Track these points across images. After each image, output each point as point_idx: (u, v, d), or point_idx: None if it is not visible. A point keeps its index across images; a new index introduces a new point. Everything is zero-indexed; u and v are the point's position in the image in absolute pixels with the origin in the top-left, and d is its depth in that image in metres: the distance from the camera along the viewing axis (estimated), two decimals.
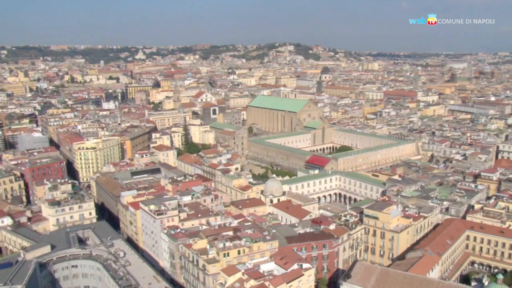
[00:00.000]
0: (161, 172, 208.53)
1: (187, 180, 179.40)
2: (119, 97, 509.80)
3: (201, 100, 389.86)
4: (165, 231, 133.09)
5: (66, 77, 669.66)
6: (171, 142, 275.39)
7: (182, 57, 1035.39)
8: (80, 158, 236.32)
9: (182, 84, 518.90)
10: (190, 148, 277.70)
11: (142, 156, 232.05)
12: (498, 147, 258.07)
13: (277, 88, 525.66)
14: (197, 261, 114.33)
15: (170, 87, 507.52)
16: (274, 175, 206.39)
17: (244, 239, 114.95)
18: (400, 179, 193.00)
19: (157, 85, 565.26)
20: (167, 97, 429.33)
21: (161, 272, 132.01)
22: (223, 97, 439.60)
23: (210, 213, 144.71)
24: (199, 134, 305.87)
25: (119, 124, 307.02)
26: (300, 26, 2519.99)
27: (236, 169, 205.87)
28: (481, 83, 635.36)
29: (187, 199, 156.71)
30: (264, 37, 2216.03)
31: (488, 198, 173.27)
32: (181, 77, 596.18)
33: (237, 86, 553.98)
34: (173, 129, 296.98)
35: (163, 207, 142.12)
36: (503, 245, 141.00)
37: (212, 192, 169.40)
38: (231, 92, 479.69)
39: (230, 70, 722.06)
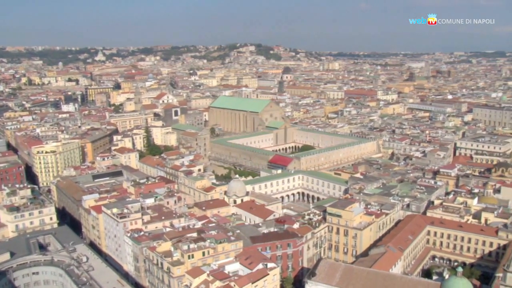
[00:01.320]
0: (123, 175, 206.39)
1: (149, 182, 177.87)
2: (79, 100, 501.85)
3: (163, 101, 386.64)
4: (129, 235, 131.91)
5: (23, 79, 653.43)
6: (133, 144, 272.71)
7: (143, 58, 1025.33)
8: (40, 162, 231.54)
9: (143, 85, 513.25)
10: (152, 150, 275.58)
11: (103, 159, 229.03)
12: (455, 144, 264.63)
13: (239, 88, 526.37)
14: (161, 263, 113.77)
15: (131, 88, 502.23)
16: (237, 176, 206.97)
17: (209, 240, 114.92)
18: (362, 177, 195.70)
19: (117, 86, 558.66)
20: (128, 99, 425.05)
21: (125, 276, 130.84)
22: (185, 98, 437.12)
23: (174, 215, 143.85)
24: (161, 135, 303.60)
25: (79, 126, 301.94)
26: (261, 26, 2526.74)
27: (199, 170, 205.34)
28: (438, 82, 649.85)
29: (150, 201, 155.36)
30: (225, 38, 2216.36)
31: (447, 193, 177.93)
32: (142, 79, 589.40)
33: (199, 87, 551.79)
34: (134, 131, 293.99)
35: (126, 210, 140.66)
36: (462, 239, 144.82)
37: (175, 194, 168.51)
38: (193, 93, 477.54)
39: (191, 71, 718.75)
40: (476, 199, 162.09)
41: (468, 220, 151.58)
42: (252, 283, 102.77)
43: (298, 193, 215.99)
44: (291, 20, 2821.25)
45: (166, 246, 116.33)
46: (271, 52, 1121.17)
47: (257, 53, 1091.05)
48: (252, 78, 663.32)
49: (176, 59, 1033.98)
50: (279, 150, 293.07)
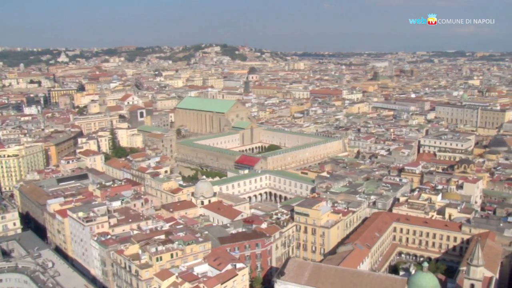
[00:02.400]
0: (88, 178, 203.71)
1: (116, 185, 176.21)
2: (42, 102, 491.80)
3: (128, 103, 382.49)
4: (95, 238, 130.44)
5: None
6: (98, 146, 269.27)
7: (107, 60, 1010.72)
8: (1, 167, 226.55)
9: (108, 87, 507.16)
10: (118, 152, 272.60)
11: (68, 162, 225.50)
12: (419, 141, 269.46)
13: (204, 89, 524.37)
14: (129, 267, 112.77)
15: (96, 90, 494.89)
16: (204, 177, 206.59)
17: (177, 242, 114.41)
18: (328, 175, 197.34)
19: (81, 88, 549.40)
20: (92, 100, 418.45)
21: (93, 280, 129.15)
22: (150, 100, 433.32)
23: (141, 218, 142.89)
24: (127, 137, 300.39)
25: (43, 129, 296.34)
26: (226, 26, 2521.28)
27: (166, 172, 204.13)
28: (402, 81, 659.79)
29: (116, 204, 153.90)
30: (190, 38, 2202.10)
31: (412, 190, 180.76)
32: (106, 80, 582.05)
33: (164, 88, 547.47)
34: (99, 133, 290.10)
35: (92, 214, 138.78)
36: (427, 234, 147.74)
37: (142, 196, 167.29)
38: (158, 94, 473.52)
39: (156, 72, 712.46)
40: (440, 195, 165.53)
41: (432, 216, 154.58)
42: (221, 284, 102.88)
43: (266, 193, 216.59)
44: (256, 21, 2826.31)
45: (133, 249, 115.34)
46: (237, 52, 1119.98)
47: (222, 54, 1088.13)
48: (218, 78, 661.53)
49: (141, 60, 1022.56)
50: (246, 150, 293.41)
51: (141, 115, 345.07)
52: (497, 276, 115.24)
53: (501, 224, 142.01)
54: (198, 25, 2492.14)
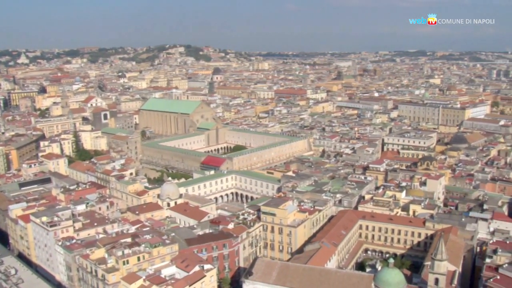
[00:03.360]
0: (52, 181, 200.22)
1: (80, 188, 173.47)
2: (1, 105, 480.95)
3: (91, 105, 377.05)
4: (60, 243, 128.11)
5: None
6: (61, 150, 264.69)
7: (69, 61, 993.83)
8: None
9: (70, 89, 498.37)
10: (81, 155, 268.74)
11: (30, 166, 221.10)
12: (383, 139, 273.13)
13: (169, 90, 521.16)
14: (95, 271, 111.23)
15: (58, 92, 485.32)
16: (170, 178, 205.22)
17: (143, 245, 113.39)
18: (294, 175, 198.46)
19: (43, 90, 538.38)
20: (54, 103, 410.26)
21: (58, 286, 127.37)
22: (114, 101, 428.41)
23: (107, 221, 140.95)
24: (91, 140, 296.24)
25: (3, 133, 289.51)
26: (189, 27, 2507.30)
27: (131, 174, 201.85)
28: (365, 80, 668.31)
29: (81, 208, 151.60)
30: (154, 39, 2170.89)
31: (377, 188, 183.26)
32: (68, 82, 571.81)
33: (128, 90, 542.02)
34: (62, 136, 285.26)
35: (56, 218, 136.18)
36: (392, 231, 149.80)
37: (107, 199, 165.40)
38: (122, 96, 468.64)
39: (120, 73, 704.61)
40: (404, 192, 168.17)
41: (397, 212, 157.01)
42: (189, 286, 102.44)
43: (232, 193, 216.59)
44: (220, 21, 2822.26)
45: (99, 253, 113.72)
46: (201, 53, 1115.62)
47: (186, 54, 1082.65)
48: (182, 79, 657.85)
49: (104, 61, 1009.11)
50: (211, 151, 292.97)
51: (105, 117, 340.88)
52: (460, 269, 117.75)
53: (463, 219, 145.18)
54: (161, 26, 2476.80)
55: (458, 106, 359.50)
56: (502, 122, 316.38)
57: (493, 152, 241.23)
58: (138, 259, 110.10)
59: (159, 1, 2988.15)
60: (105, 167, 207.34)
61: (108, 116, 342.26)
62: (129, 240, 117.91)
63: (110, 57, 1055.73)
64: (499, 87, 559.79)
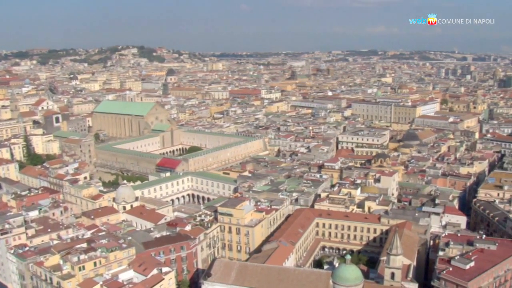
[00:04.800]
0: (1, 187, 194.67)
1: (32, 194, 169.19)
2: None
3: (42, 108, 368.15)
4: (12, 251, 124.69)
5: None
6: (11, 154, 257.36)
7: (18, 63, 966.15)
8: None
9: (20, 91, 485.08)
10: (33, 160, 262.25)
11: None
12: (337, 138, 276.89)
13: (122, 92, 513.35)
14: (50, 278, 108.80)
15: (6, 95, 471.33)
16: (125, 181, 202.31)
17: (100, 250, 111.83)
18: (250, 175, 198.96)
19: None
20: (3, 106, 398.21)
21: None
22: (66, 104, 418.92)
23: (61, 227, 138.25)
24: (42, 144, 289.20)
25: None
26: (142, 28, 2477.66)
27: (85, 178, 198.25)
28: (319, 80, 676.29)
29: (34, 214, 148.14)
30: (106, 40, 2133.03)
31: (332, 186, 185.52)
32: (18, 84, 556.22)
33: (80, 92, 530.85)
34: (12, 140, 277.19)
35: (7, 226, 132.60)
36: (349, 228, 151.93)
37: (61, 204, 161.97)
38: (74, 98, 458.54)
39: (71, 75, 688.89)
40: (359, 189, 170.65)
41: (353, 209, 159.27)
42: None
43: (188, 195, 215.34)
44: (173, 22, 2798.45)
45: (54, 259, 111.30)
46: (154, 54, 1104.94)
47: (139, 56, 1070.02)
48: (135, 81, 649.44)
49: (54, 63, 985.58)
50: (167, 153, 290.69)
51: (57, 121, 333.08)
52: (415, 263, 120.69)
53: (417, 214, 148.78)
54: (113, 27, 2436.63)
55: (409, 104, 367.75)
56: (451, 119, 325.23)
57: (444, 148, 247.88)
58: (95, 264, 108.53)
59: (110, 1, 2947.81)
60: (58, 171, 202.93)
61: (60, 119, 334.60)
62: (84, 245, 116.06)
63: (61, 59, 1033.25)
64: (447, 85, 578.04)
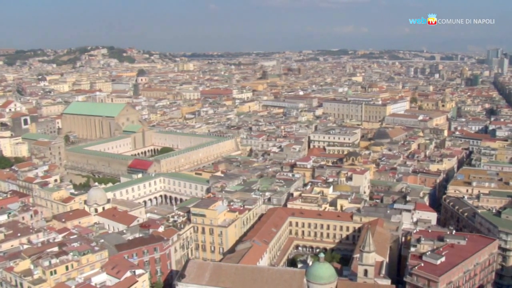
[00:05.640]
0: None
1: (0, 198, 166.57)
2: None
3: (10, 110, 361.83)
4: None
5: None
6: None
7: None
8: None
9: None
10: (1, 163, 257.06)
11: None
12: (309, 137, 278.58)
13: (92, 93, 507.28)
14: (21, 284, 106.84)
15: None
16: (96, 183, 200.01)
17: (72, 253, 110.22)
18: (222, 175, 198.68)
19: None
20: None
21: None
22: (35, 106, 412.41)
23: (31, 231, 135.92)
24: (10, 147, 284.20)
25: None
26: (112, 28, 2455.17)
27: (55, 181, 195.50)
28: (290, 79, 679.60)
29: (2, 218, 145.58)
30: (75, 41, 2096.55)
31: (305, 185, 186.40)
32: None
33: (49, 93, 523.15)
34: None
35: None
36: (322, 226, 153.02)
37: (31, 208, 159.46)
38: (43, 100, 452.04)
39: (40, 76, 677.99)
40: (331, 187, 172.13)
41: (325, 208, 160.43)
42: None
43: (161, 196, 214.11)
44: (143, 22, 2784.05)
45: (24, 264, 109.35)
46: (124, 54, 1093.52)
47: (109, 56, 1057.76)
48: (106, 82, 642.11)
49: (22, 64, 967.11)
50: (138, 154, 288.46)
51: (25, 123, 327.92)
52: (387, 259, 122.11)
53: (388, 211, 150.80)
54: (82, 27, 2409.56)
55: (380, 102, 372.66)
56: (420, 117, 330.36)
57: (414, 146, 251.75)
58: (67, 268, 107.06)
59: (79, 2, 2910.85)
60: (27, 174, 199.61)
61: (29, 121, 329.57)
62: (56, 249, 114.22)
63: (28, 60, 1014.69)
64: (416, 84, 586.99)
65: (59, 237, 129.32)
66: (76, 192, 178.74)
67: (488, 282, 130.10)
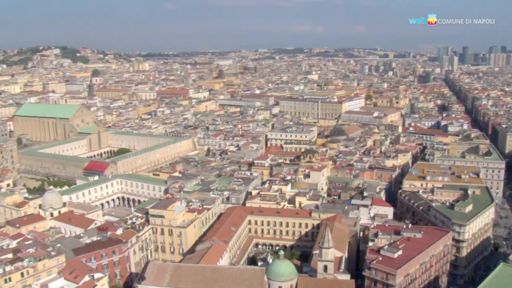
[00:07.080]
0: None
1: None
2: None
3: None
4: None
5: None
6: None
7: None
8: None
9: None
10: None
11: None
12: (266, 135, 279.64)
13: (45, 94, 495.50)
14: None
15: None
16: (51, 187, 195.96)
17: (27, 259, 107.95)
18: (180, 175, 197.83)
19: None
20: None
21: None
22: None
23: None
24: None
25: None
26: (64, 28, 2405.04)
27: (8, 185, 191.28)
28: (246, 78, 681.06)
29: None
30: (26, 41, 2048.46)
31: (263, 183, 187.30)
32: None
33: (0, 95, 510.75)
34: None
35: None
36: (281, 224, 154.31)
37: None
38: None
39: None
40: (289, 185, 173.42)
41: (284, 205, 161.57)
42: None
43: (118, 198, 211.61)
44: (97, 21, 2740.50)
45: None
46: (78, 54, 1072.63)
47: (62, 56, 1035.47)
48: (59, 82, 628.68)
49: None
50: (94, 156, 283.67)
51: None
52: (346, 255, 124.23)
53: (346, 207, 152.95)
54: (33, 26, 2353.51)
55: (336, 100, 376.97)
56: (375, 114, 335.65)
57: (369, 142, 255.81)
58: (22, 275, 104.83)
59: (29, 0, 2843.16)
60: None
61: None
62: (10, 255, 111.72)
63: None
64: (371, 81, 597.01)
65: (14, 243, 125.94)
66: (30, 197, 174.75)
67: (443, 273, 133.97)
